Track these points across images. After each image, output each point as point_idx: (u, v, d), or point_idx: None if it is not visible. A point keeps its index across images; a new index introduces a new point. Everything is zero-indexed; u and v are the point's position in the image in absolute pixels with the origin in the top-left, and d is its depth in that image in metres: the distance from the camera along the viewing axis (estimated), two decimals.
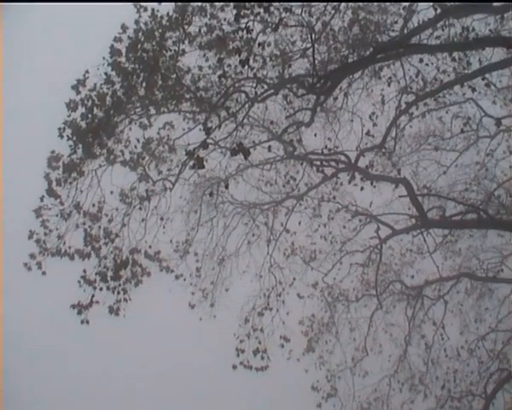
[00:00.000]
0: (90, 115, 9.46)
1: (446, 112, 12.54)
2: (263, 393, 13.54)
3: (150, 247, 10.95)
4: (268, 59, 10.30)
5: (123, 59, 9.30)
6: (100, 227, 10.33)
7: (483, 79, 11.07)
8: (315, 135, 11.64)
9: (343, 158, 11.66)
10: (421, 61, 11.05)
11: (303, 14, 9.59)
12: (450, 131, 12.88)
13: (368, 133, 11.83)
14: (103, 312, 10.11)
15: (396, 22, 10.99)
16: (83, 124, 9.47)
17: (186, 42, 9.65)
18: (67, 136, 9.42)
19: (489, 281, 14.20)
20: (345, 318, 13.66)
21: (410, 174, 12.66)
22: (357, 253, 13.16)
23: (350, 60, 10.44)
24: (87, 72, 9.40)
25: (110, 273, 10.14)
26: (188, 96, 9.91)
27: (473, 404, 13.99)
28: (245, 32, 8.50)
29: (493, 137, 13.19)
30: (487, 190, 13.27)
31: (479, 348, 14.19)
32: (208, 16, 9.92)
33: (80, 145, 9.61)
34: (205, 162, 8.38)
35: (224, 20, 9.81)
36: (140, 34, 9.32)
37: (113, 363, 12.87)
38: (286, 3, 9.06)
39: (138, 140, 10.32)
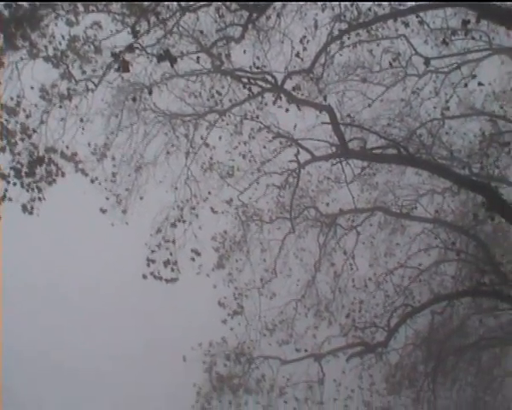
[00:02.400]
0: (14, 5, 10.94)
1: (377, 45, 14.92)
2: (171, 304, 16.06)
3: (67, 147, 12.73)
4: None
5: None
6: (17, 122, 11.83)
7: (417, 17, 13.38)
8: (244, 52, 13.59)
9: (270, 78, 13.75)
10: None
11: None
12: (379, 65, 15.32)
13: (297, 55, 13.93)
14: (17, 209, 11.85)
15: None
16: (6, 12, 10.96)
17: None
18: None
19: (402, 217, 17.13)
20: (257, 238, 16.40)
21: (335, 103, 15.09)
22: (274, 175, 15.66)
23: None
24: None
25: (25, 169, 11.88)
26: None
27: (376, 335, 16.96)
28: None
29: (421, 77, 15.79)
30: (410, 128, 15.94)
31: (386, 281, 17.30)
32: None
33: (1, 34, 11.12)
34: (130, 66, 10.19)
35: None
36: None
37: (23, 260, 14.85)
38: None
39: (63, 37, 11.79)
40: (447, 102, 16.08)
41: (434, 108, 16.02)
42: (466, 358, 18.37)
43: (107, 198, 14.45)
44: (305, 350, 16.62)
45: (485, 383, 19.37)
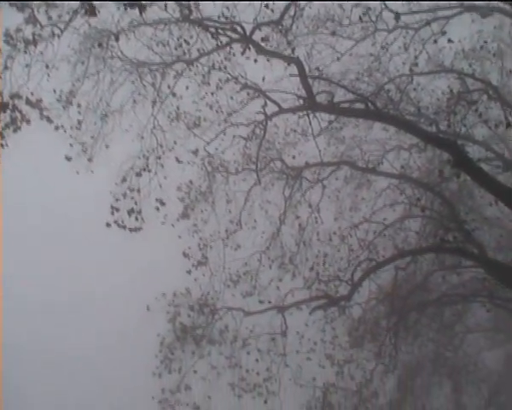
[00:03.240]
0: None
1: None
2: (135, 254, 16.95)
3: (32, 94, 13.38)
4: None
5: None
6: None
7: None
8: (213, 2, 14.24)
9: (239, 29, 14.45)
10: None
11: None
12: (349, 19, 16.12)
13: (267, 6, 14.64)
14: None
15: None
16: None
17: None
18: None
19: (368, 172, 18.14)
20: (222, 189, 17.29)
21: (304, 55, 15.88)
22: (241, 126, 16.40)
23: None
24: None
25: None
26: None
27: (339, 289, 17.89)
28: None
29: (391, 32, 16.64)
30: (378, 83, 16.83)
31: (351, 235, 18.30)
32: None
33: None
34: (97, 12, 10.82)
35: None
36: None
37: None
38: None
39: None
40: (416, 58, 16.93)
41: (403, 63, 16.89)
42: (428, 314, 19.31)
43: (72, 146, 15.01)
44: (269, 302, 17.48)
45: (446, 339, 20.49)
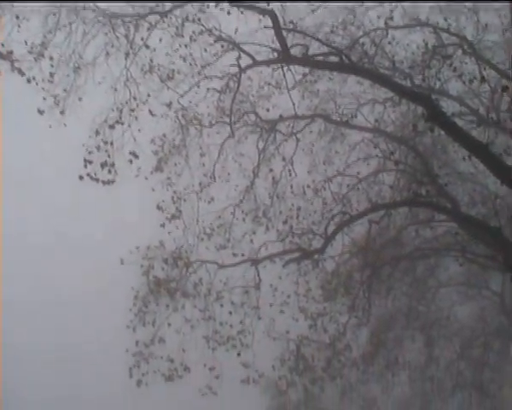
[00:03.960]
0: None
1: None
2: (108, 207, 17.57)
3: (3, 45, 13.82)
4: None
5: None
6: None
7: None
8: None
9: None
10: None
11: None
12: None
13: None
14: None
15: None
16: None
17: None
18: None
19: (342, 126, 18.88)
20: (196, 142, 17.85)
21: (278, 8, 16.24)
22: (215, 79, 16.89)
23: None
24: None
25: None
26: None
27: (313, 242, 18.59)
28: None
29: None
30: (353, 37, 17.49)
31: (324, 189, 18.96)
32: None
33: None
34: None
35: None
36: None
37: None
38: None
39: None
40: (391, 12, 17.56)
41: (378, 17, 17.49)
42: (401, 268, 20.20)
43: (45, 99, 15.34)
44: (242, 255, 18.04)
45: (419, 292, 21.45)
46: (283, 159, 18.64)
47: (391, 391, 22.70)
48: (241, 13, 15.33)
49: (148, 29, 15.83)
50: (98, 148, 16.09)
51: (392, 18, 17.55)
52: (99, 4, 15.22)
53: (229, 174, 18.54)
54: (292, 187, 18.76)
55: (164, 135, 17.59)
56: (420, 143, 18.62)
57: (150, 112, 16.39)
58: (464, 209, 18.70)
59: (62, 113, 15.72)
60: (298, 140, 18.62)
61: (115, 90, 15.99)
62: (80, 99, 15.75)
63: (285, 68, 16.42)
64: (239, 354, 17.99)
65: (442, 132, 15.93)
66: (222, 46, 16.36)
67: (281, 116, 18.13)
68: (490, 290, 22.65)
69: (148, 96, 16.31)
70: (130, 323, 17.95)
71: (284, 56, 15.47)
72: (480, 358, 23.54)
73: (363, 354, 20.51)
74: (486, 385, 23.54)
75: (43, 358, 22.31)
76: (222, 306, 18.20)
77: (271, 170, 18.79)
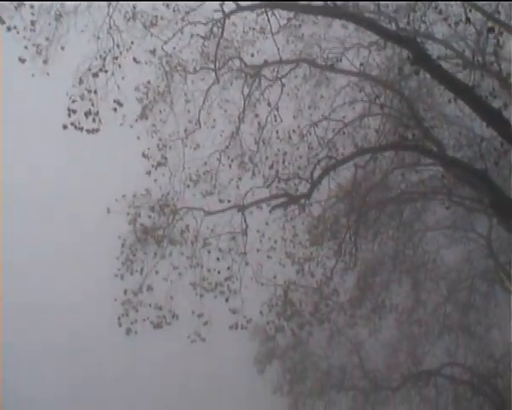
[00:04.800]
0: None
1: None
2: (93, 156, 18.03)
3: None
4: None
5: None
6: None
7: None
8: None
9: None
10: None
11: None
12: None
13: None
14: None
15: None
16: None
17: None
18: None
19: (327, 70, 19.30)
20: (181, 89, 18.20)
21: None
22: (199, 24, 17.14)
23: None
24: None
25: None
26: None
27: (299, 187, 18.91)
28: None
29: None
30: None
31: (310, 133, 19.37)
32: None
33: None
34: None
35: None
36: None
37: None
38: None
39: None
40: None
41: None
42: (388, 212, 20.96)
43: (27, 48, 15.57)
44: (229, 201, 18.43)
45: (406, 236, 22.24)
46: (269, 104, 18.99)
47: (378, 335, 23.56)
48: None
49: None
50: (82, 97, 16.41)
51: None
52: None
53: (214, 120, 18.94)
54: (277, 132, 19.18)
55: (148, 82, 17.95)
56: (405, 87, 19.05)
57: (134, 59, 16.73)
58: (450, 152, 19.17)
59: (45, 62, 15.96)
60: (283, 85, 18.93)
61: (98, 38, 16.25)
62: (63, 48, 15.97)
63: (269, 13, 16.69)
64: (227, 301, 18.38)
65: (428, 76, 16.22)
66: None
67: (265, 61, 18.40)
68: (476, 233, 23.40)
69: (132, 43, 16.64)
70: (117, 271, 18.34)
71: (268, 0, 15.75)
72: (466, 300, 24.46)
73: (351, 298, 21.20)
74: (473, 327, 24.51)
75: (30, 309, 22.88)
76: (209, 252, 18.57)
77: (257, 115, 19.19)
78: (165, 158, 18.50)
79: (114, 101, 16.58)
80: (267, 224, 18.84)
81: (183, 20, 17.07)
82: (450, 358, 24.43)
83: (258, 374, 24.90)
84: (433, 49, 17.94)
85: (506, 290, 23.33)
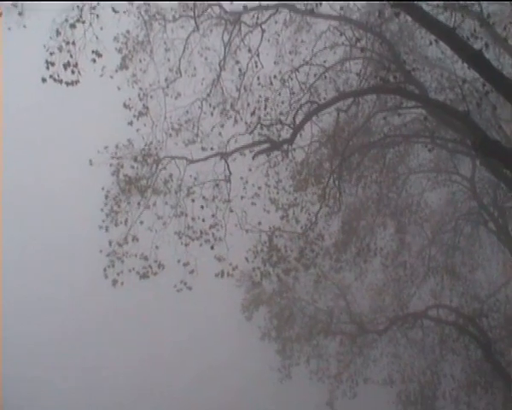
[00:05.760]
0: None
1: None
2: (74, 108, 18.31)
3: None
4: None
5: None
6: None
7: None
8: None
9: None
10: None
11: None
12: None
13: None
14: None
15: None
16: None
17: None
18: None
19: (307, 15, 19.53)
20: (160, 37, 18.56)
21: None
22: None
23: None
24: None
25: None
26: None
27: (281, 133, 19.01)
28: None
29: None
30: None
31: (291, 79, 19.27)
32: None
33: None
34: None
35: None
36: None
37: None
38: None
39: None
40: None
41: None
42: (371, 155, 21.33)
43: None
44: (212, 149, 18.65)
45: (389, 180, 22.57)
46: (249, 50, 19.19)
47: (364, 278, 24.24)
48: None
49: None
50: (60, 48, 16.66)
51: None
52: None
53: (195, 68, 19.29)
54: (259, 78, 19.31)
55: (127, 32, 18.29)
56: (386, 30, 19.33)
57: (112, 9, 16.82)
58: (432, 95, 19.44)
59: (21, 14, 16.08)
60: (263, 31, 19.04)
61: None
62: None
63: None
64: (212, 248, 18.73)
65: (408, 18, 16.40)
66: None
67: (245, 7, 18.63)
68: (459, 175, 23.77)
69: None
70: (102, 223, 18.77)
71: None
72: (450, 242, 25.00)
73: (336, 243, 21.95)
74: (458, 269, 25.06)
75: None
76: (193, 201, 18.87)
77: (237, 62, 19.46)
78: (147, 108, 18.79)
79: (93, 52, 16.75)
80: (250, 170, 19.13)
81: None
82: (436, 300, 24.89)
83: (246, 321, 25.50)
84: None
85: (490, 231, 24.03)
